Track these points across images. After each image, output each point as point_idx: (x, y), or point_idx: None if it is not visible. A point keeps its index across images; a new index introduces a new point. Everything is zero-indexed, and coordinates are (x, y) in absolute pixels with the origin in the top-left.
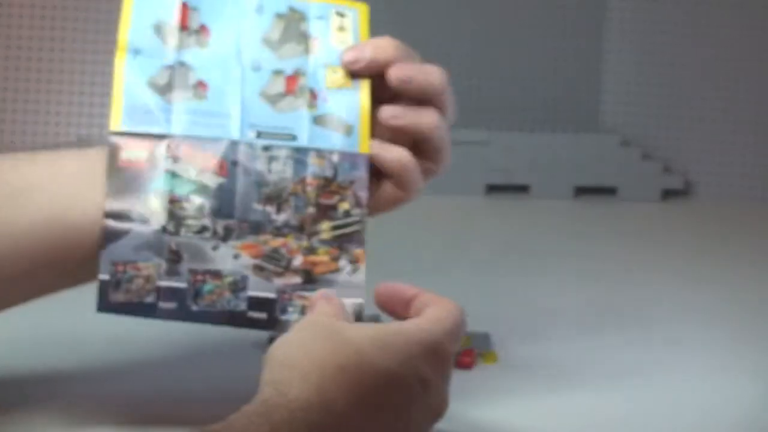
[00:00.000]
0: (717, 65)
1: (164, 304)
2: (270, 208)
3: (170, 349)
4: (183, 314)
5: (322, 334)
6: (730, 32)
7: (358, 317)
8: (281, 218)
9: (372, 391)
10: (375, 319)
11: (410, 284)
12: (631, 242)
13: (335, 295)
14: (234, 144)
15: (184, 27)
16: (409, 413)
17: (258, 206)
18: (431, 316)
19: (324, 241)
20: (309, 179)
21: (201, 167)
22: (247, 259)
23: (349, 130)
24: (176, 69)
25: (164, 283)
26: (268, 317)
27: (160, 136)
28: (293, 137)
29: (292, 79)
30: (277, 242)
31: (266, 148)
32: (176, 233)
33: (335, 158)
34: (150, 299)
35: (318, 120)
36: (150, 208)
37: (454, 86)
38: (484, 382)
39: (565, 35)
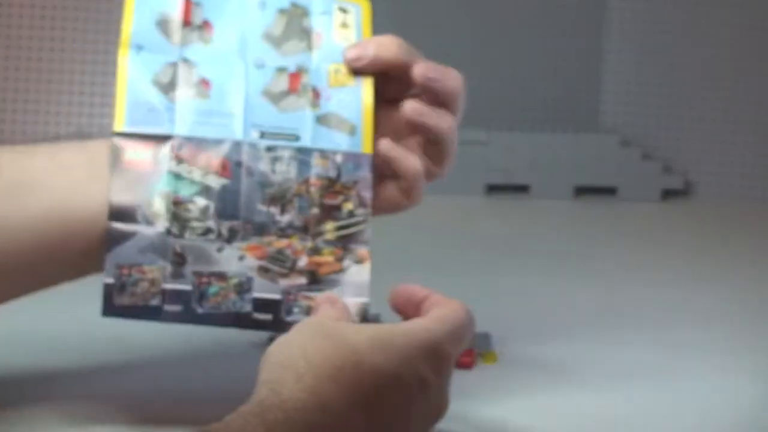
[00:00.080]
0: (717, 65)
1: (169, 307)
2: (274, 209)
3: (170, 349)
4: (188, 317)
5: (321, 335)
6: (730, 32)
7: (363, 317)
8: (285, 219)
9: (370, 392)
10: (375, 318)
11: (419, 285)
12: (631, 242)
13: (340, 297)
14: (237, 144)
15: (186, 22)
16: (409, 413)
17: (262, 207)
18: (433, 315)
19: (328, 242)
20: (313, 180)
21: (205, 168)
22: (252, 261)
23: (352, 130)
24: (179, 66)
25: (169, 285)
26: (274, 318)
27: (164, 137)
28: (296, 137)
29: (295, 76)
30: (282, 243)
31: (270, 149)
32: (181, 236)
33: (339, 158)
34: (155, 302)
35: (321, 119)
36: (154, 209)
37: None
38: (484, 382)
39: (565, 35)
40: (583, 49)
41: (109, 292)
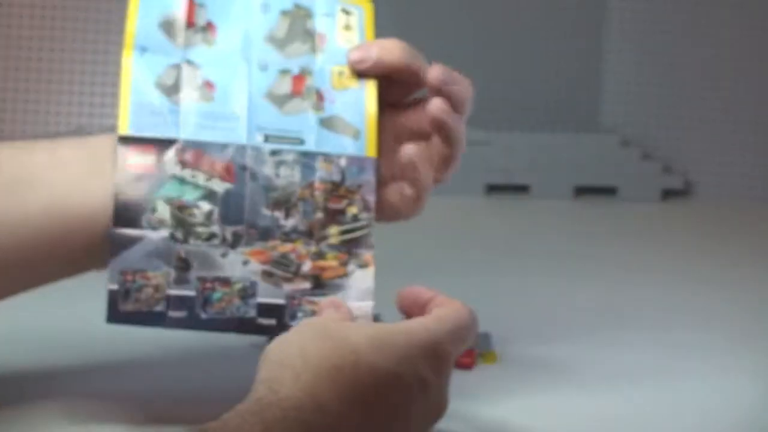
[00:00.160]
0: (717, 65)
1: (174, 313)
2: (278, 214)
3: (170, 348)
4: (192, 322)
5: (320, 334)
6: (730, 32)
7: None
8: (290, 223)
9: (369, 391)
10: (376, 319)
11: (425, 286)
12: (631, 242)
13: (344, 301)
14: (242, 148)
15: (190, 24)
16: (408, 413)
17: (266, 212)
18: (434, 315)
19: (332, 246)
20: (317, 184)
21: (209, 172)
22: (256, 266)
23: (356, 134)
24: (183, 68)
25: (173, 291)
26: (278, 323)
27: (169, 141)
28: (300, 141)
29: (299, 78)
30: (286, 248)
31: (274, 153)
32: (185, 241)
33: (343, 162)
34: (159, 308)
35: (325, 122)
36: (158, 214)
37: None
38: (484, 382)
39: (565, 35)
40: (583, 50)
41: (113, 299)
